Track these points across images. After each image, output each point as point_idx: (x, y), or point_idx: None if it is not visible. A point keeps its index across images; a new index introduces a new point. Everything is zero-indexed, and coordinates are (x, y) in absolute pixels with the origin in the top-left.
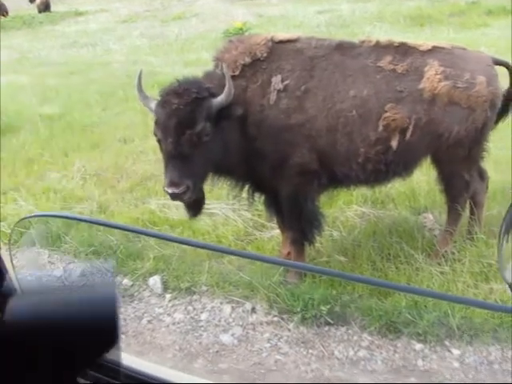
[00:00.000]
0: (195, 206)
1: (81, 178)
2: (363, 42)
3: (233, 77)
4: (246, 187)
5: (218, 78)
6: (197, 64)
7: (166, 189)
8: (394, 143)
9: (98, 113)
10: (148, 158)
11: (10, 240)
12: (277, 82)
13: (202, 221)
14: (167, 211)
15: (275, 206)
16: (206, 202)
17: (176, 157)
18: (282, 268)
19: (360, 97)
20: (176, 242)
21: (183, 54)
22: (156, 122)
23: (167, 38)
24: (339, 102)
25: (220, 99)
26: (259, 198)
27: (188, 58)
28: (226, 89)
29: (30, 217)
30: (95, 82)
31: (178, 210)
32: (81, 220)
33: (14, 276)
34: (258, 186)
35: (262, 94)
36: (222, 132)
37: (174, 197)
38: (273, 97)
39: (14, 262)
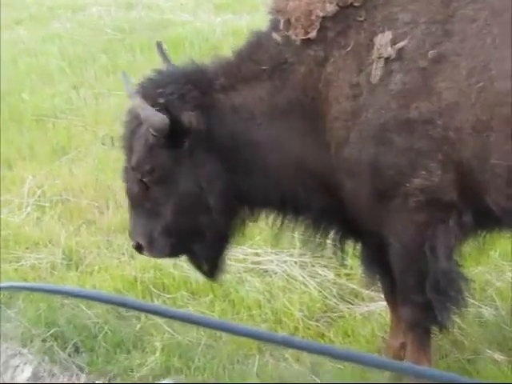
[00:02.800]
0: (208, 264)
1: (36, 208)
2: None
3: (304, 41)
4: (332, 230)
5: (273, 52)
6: (236, 9)
7: None
8: None
9: (65, 93)
10: None
11: None
12: (384, 43)
13: (248, 284)
14: (185, 266)
15: (379, 260)
16: (255, 251)
17: (128, 198)
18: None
19: None
20: (196, 323)
21: None
22: None
23: None
24: (500, 79)
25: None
26: (351, 247)
27: None
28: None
29: None
30: (59, 39)
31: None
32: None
33: None
34: (349, 227)
35: (355, 67)
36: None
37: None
38: (377, 71)
39: None
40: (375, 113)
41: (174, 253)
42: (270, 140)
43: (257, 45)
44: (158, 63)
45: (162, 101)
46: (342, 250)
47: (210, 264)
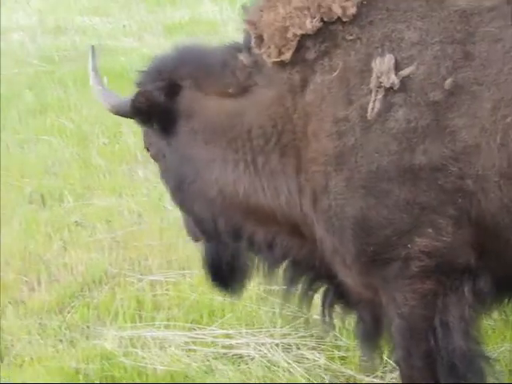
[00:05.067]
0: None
1: None
2: None
3: (278, 64)
4: (315, 289)
5: (240, 75)
6: (190, 31)
7: None
8: None
9: None
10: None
11: None
12: (384, 69)
13: (219, 374)
14: (139, 353)
15: (378, 337)
16: (226, 332)
17: None
18: None
19: None
20: None
21: None
22: None
23: None
24: None
25: None
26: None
27: None
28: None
29: None
30: None
31: (166, 351)
32: None
33: None
34: (339, 290)
35: (343, 98)
36: None
37: None
38: (375, 103)
39: None
40: (368, 157)
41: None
42: (214, 164)
43: (223, 64)
44: (95, 99)
45: (136, 82)
46: (330, 318)
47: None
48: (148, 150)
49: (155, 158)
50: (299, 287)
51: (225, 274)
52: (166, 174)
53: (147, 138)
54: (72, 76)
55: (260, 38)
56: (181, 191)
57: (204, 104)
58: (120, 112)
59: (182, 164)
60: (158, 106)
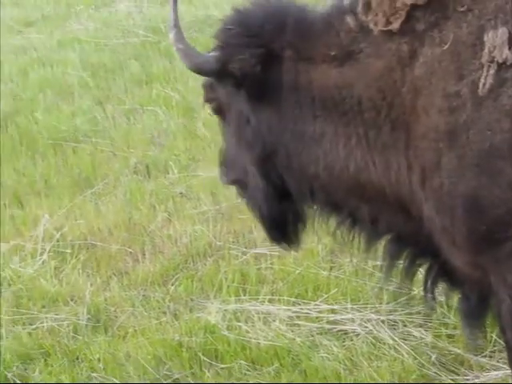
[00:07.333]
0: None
1: (54, 255)
2: None
3: (385, 34)
4: (418, 263)
5: (345, 38)
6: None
7: None
8: None
9: (88, 110)
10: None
11: None
12: (497, 43)
13: (324, 349)
14: (243, 327)
15: (485, 315)
16: (331, 307)
17: None
18: None
19: None
20: None
21: None
22: None
23: None
24: None
25: None
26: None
27: None
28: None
29: None
30: (79, 44)
31: (270, 326)
32: None
33: None
34: (444, 267)
35: (454, 72)
36: None
37: None
38: (487, 79)
39: None
40: (480, 134)
41: (235, 185)
42: (323, 139)
43: (327, 25)
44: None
45: (222, 38)
46: (433, 297)
47: (266, 224)
48: (209, 103)
49: (217, 112)
50: (401, 262)
51: (286, 227)
52: (236, 134)
53: (212, 92)
54: None
55: (368, 5)
56: (263, 157)
57: (310, 76)
58: (203, 71)
59: (276, 135)
60: (252, 76)
